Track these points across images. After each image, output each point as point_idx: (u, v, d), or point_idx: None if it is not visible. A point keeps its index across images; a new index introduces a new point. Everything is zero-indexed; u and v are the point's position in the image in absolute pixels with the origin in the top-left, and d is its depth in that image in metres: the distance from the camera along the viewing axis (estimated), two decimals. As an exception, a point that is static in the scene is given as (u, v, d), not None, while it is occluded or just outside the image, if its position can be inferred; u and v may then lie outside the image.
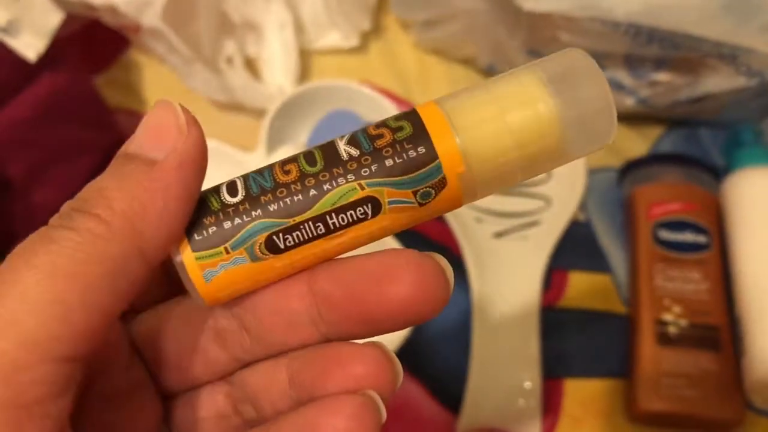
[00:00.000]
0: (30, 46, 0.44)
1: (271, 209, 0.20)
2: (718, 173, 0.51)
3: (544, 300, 0.48)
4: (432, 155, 0.20)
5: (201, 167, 0.20)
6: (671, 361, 0.44)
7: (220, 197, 0.20)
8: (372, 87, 0.54)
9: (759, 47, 0.46)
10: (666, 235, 0.48)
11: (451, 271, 0.20)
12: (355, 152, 0.20)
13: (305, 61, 0.58)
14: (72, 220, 0.18)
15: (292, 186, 0.20)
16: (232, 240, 0.20)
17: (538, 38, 0.50)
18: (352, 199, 0.20)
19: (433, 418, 0.45)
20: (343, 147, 0.20)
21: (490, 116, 0.20)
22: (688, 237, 0.48)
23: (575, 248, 0.51)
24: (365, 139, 0.20)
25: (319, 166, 0.20)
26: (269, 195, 0.20)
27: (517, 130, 0.19)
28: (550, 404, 0.46)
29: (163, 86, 0.57)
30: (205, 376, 0.22)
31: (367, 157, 0.20)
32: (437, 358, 0.47)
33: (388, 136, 0.20)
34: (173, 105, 0.20)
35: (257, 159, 0.49)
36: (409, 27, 0.59)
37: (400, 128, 0.20)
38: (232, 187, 0.20)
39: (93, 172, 0.49)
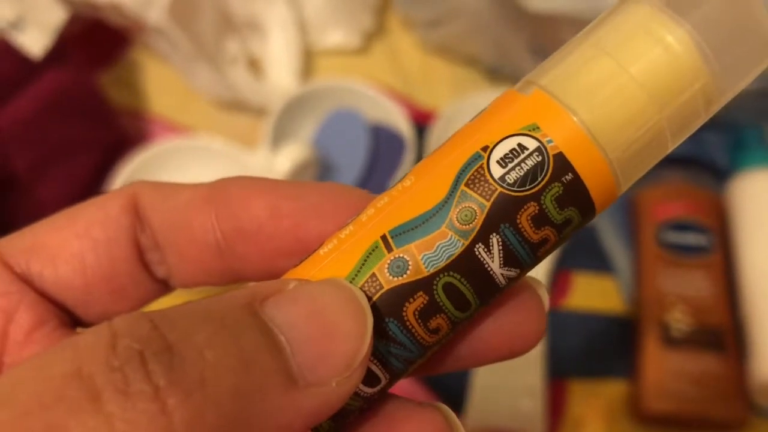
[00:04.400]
0: (35, 42, 0.44)
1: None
2: (721, 175, 0.51)
3: (549, 301, 0.48)
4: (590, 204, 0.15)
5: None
6: (676, 362, 0.44)
7: (357, 395, 0.15)
8: (375, 86, 0.54)
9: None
10: (670, 236, 0.48)
11: None
12: (514, 273, 0.16)
13: (309, 61, 0.58)
14: (140, 380, 0.12)
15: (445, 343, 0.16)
16: None
17: (543, 38, 0.49)
18: None
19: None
20: (499, 271, 0.15)
21: (608, 75, 0.15)
22: (691, 239, 0.48)
23: (579, 250, 0.50)
24: (525, 250, 0.15)
25: (474, 305, 0.16)
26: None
27: (649, 81, 0.14)
28: (555, 405, 0.46)
29: (166, 85, 0.57)
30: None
31: (527, 269, 0.16)
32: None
33: (553, 238, 0.15)
34: (367, 319, 0.14)
35: (261, 159, 0.49)
36: (413, 27, 0.59)
37: (567, 220, 0.15)
38: (370, 376, 0.15)
39: (95, 170, 0.49)
